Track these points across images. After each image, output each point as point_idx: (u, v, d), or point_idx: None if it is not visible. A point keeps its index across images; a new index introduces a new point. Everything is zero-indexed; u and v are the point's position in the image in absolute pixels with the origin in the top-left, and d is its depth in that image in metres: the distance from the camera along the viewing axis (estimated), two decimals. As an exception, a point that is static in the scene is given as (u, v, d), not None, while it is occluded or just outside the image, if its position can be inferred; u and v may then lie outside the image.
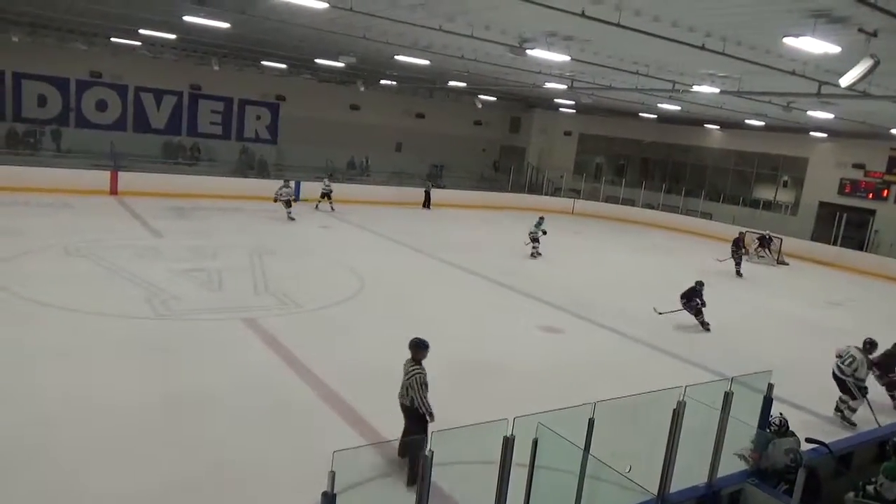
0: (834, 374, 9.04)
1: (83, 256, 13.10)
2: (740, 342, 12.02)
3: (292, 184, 21.74)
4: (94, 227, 15.97)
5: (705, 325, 12.62)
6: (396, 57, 17.62)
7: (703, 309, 12.66)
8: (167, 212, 18.86)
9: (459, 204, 26.68)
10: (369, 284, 13.39)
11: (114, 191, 20.92)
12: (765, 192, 28.96)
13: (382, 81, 27.50)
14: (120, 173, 21.38)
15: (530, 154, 34.53)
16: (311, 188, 23.63)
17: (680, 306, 12.80)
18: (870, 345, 9.10)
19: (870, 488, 5.80)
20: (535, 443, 4.45)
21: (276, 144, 28.96)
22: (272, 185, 22.59)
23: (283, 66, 25.59)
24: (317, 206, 22.52)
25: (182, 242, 15.21)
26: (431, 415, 6.23)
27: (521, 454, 4.46)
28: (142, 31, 18.84)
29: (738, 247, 19.21)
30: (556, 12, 9.41)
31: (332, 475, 3.37)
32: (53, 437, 6.36)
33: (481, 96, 29.69)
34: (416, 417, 6.26)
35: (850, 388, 8.94)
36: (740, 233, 20.17)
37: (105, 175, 21.11)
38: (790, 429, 5.96)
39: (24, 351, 8.29)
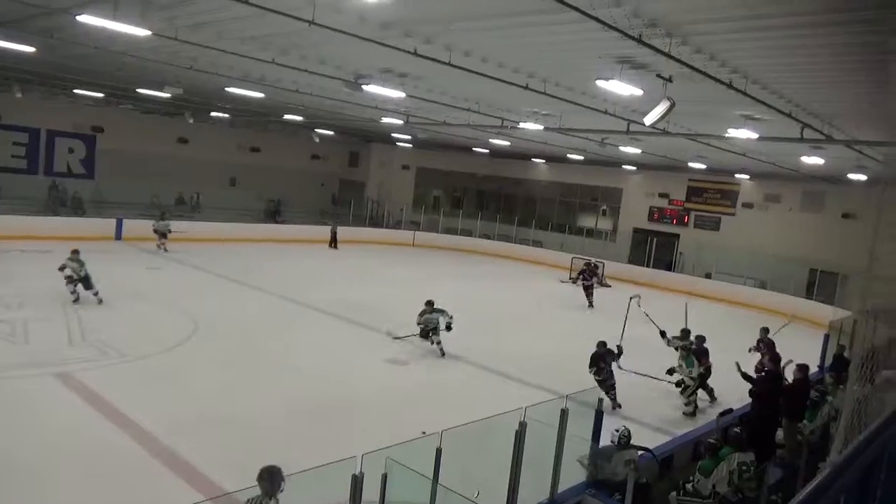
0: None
1: None
2: (570, 362, 12.73)
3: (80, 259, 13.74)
4: None
5: (614, 402, 10.07)
6: (227, 89, 17.02)
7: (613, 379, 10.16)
8: (-42, 257, 16.52)
9: (300, 239, 26.09)
10: (204, 328, 12.58)
11: None
12: (588, 221, 31.47)
13: (213, 114, 26.36)
14: None
15: (370, 188, 34.78)
16: (135, 226, 22.00)
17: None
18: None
19: (689, 486, 6.39)
20: (385, 477, 4.41)
21: (93, 179, 26.51)
22: (88, 224, 20.68)
23: (100, 95, 23.58)
24: (163, 248, 20.88)
25: (-22, 291, 13.37)
26: None
27: (371, 491, 4.39)
28: (-77, 53, 16.51)
29: (588, 276, 19.18)
30: (390, 50, 9.65)
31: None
32: None
33: (318, 130, 29.48)
34: None
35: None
36: (587, 263, 20.91)
37: None
38: (632, 441, 6.38)
39: None
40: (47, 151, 25.66)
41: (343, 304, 15.51)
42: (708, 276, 24.97)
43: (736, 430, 6.79)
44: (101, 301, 13.60)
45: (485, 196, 35.56)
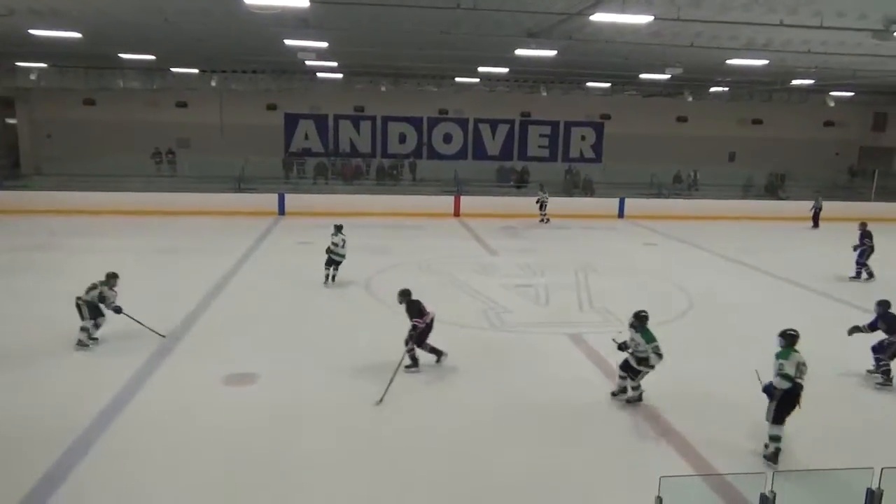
0: None
1: (432, 272, 14.91)
2: None
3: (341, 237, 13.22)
4: (442, 246, 18.09)
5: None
6: (728, 61, 16.50)
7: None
8: (500, 231, 20.43)
9: (806, 217, 23.54)
10: (698, 305, 12.64)
11: (457, 213, 23.44)
12: None
13: (712, 89, 25.95)
14: (462, 197, 23.89)
15: (902, 155, 29.01)
16: (636, 205, 23.58)
17: None
18: None
19: None
20: (910, 501, 3.72)
21: (600, 163, 29.41)
22: (595, 204, 22.83)
23: (607, 85, 25.95)
24: (546, 220, 21.90)
25: (514, 260, 16.31)
26: None
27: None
28: (480, 69, 20.95)
29: None
30: (939, -18, 7.82)
31: (659, 501, 3.28)
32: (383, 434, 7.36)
33: (833, 93, 25.96)
34: None
35: None
36: None
37: (450, 200, 23.80)
38: None
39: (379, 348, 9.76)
40: (564, 140, 29.81)
41: (855, 294, 13.44)
42: None
43: None
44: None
45: None
